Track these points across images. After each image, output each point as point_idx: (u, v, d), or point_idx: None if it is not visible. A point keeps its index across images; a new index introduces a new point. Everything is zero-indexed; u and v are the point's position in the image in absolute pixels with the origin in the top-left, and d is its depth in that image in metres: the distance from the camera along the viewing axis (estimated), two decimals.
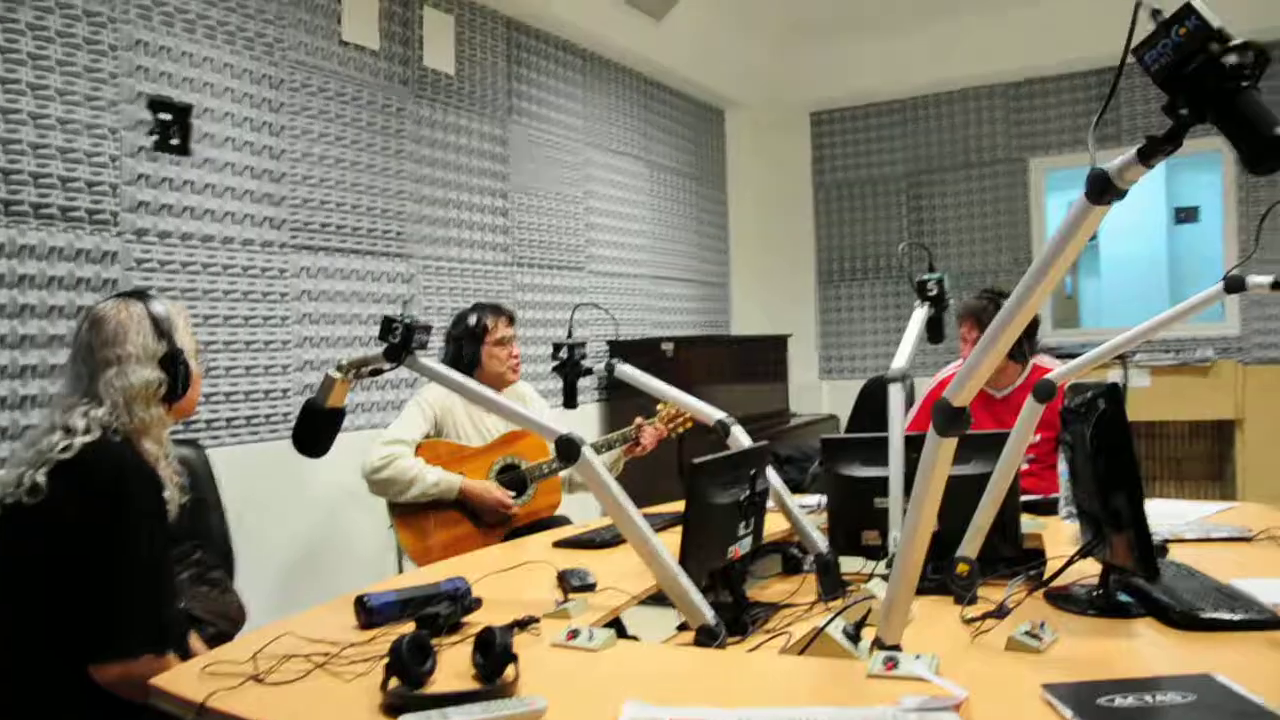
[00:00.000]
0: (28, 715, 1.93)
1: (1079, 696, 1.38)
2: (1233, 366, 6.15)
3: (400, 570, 3.44)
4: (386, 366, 2.15)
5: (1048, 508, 2.83)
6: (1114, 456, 1.86)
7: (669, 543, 1.91)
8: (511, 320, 3.65)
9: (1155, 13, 1.15)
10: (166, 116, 3.49)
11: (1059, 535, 2.55)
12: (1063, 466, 2.73)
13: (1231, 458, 6.17)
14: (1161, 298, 7.29)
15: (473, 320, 3.60)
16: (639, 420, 3.47)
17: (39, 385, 3.06)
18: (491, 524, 3.37)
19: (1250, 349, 6.32)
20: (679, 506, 2.97)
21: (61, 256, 3.15)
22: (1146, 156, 1.20)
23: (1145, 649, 1.74)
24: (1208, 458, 6.40)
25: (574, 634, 1.80)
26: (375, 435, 3.41)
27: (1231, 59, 1.10)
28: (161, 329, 2.06)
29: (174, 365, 2.05)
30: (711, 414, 2.60)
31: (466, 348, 3.57)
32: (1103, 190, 1.25)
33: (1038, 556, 2.25)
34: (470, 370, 3.49)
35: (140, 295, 2.12)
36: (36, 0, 3.10)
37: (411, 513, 3.30)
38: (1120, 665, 1.63)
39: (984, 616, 1.88)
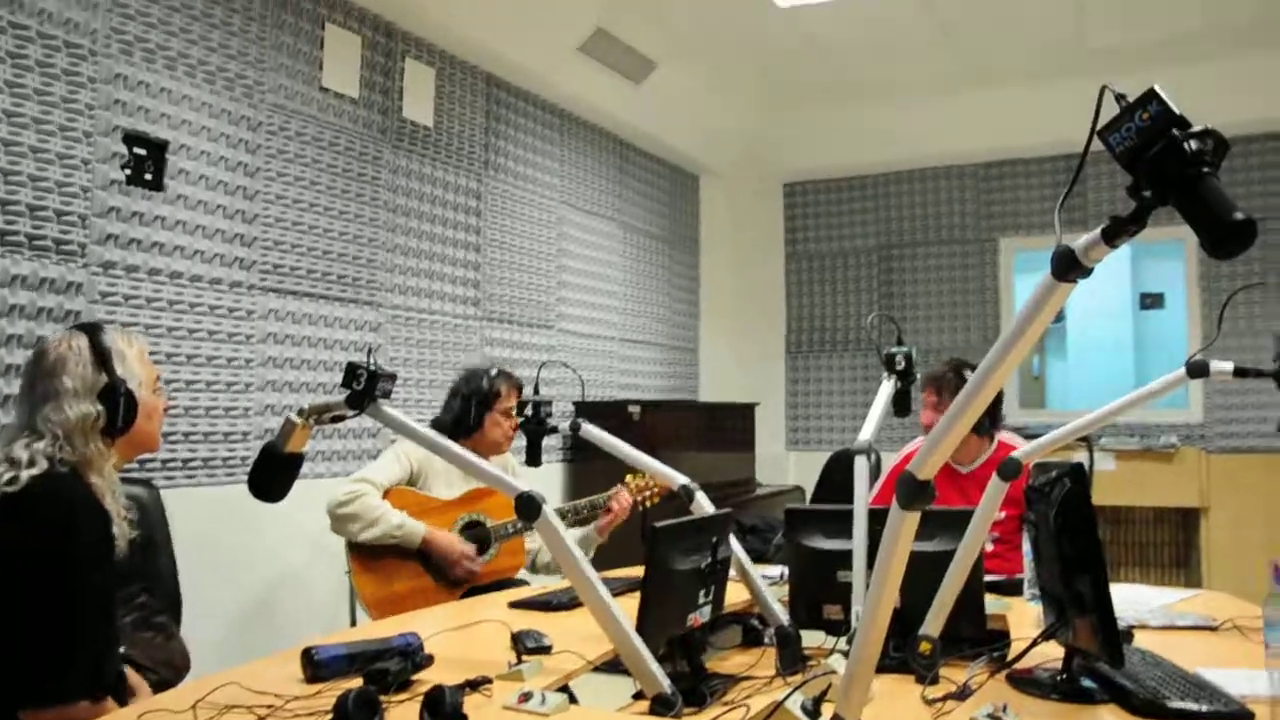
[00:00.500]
0: None
1: None
2: (1196, 454, 6.21)
3: (353, 623, 3.37)
4: (349, 413, 2.12)
5: (1012, 588, 2.81)
6: (1078, 538, 1.85)
7: (627, 608, 1.87)
8: (520, 391, 3.59)
9: (1119, 97, 1.19)
10: (141, 151, 3.47)
11: (1024, 616, 2.53)
12: (1027, 546, 2.73)
13: (1196, 545, 6.20)
14: (1127, 381, 7.37)
15: (486, 384, 3.55)
16: (619, 486, 3.45)
17: None
18: (451, 580, 3.30)
19: (1213, 437, 6.38)
20: (639, 572, 2.94)
21: (24, 285, 3.10)
22: (1111, 236, 1.22)
23: None
24: (1172, 544, 6.43)
25: (526, 697, 1.76)
26: (338, 482, 3.36)
27: (1193, 144, 1.13)
28: (104, 361, 2.03)
29: (113, 397, 2.01)
30: (675, 478, 2.57)
31: (475, 409, 3.52)
32: (1068, 268, 1.26)
33: (1002, 637, 2.23)
34: (470, 432, 3.46)
35: (89, 328, 2.09)
36: (18, 29, 3.08)
37: (371, 559, 3.23)
38: None
39: (945, 698, 1.86)
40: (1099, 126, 1.20)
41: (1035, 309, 1.31)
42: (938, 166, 7.24)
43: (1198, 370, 2.41)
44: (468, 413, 3.53)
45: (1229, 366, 2.44)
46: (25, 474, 1.88)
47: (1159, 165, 1.14)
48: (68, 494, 1.92)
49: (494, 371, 3.61)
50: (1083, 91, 1.50)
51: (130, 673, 2.13)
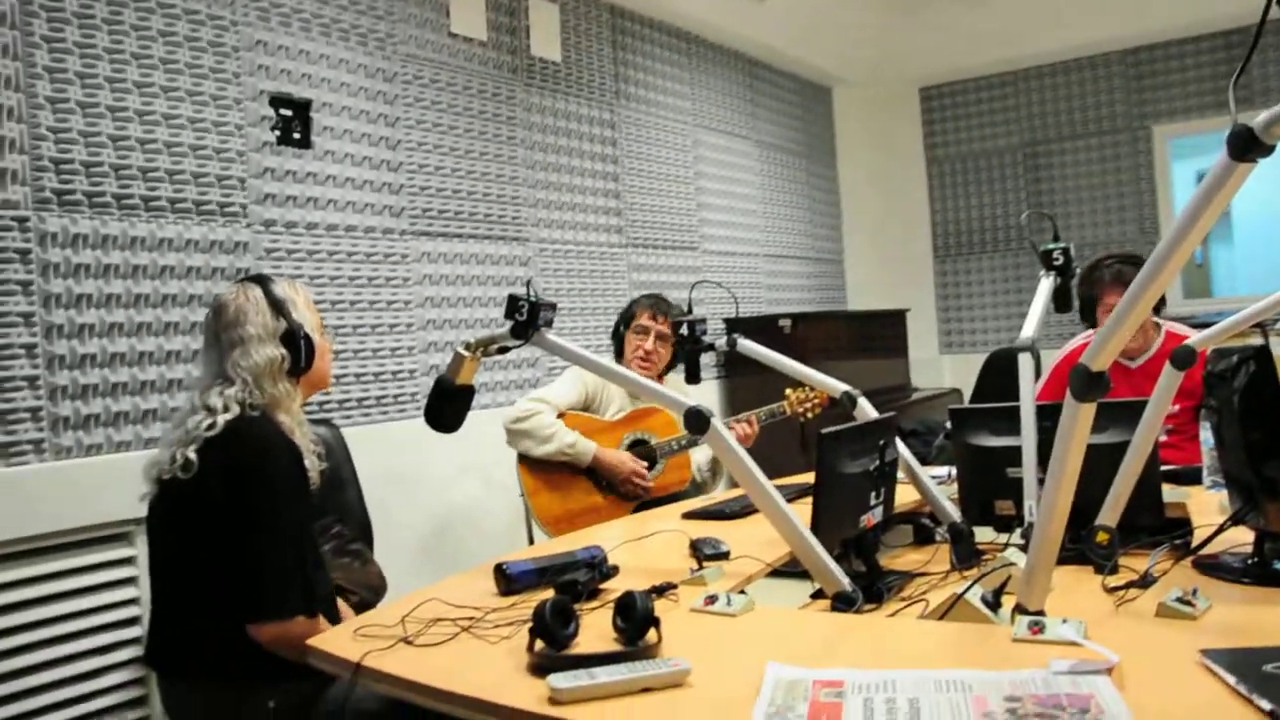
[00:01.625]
0: (196, 668, 2.05)
1: (1242, 662, 1.32)
2: None
3: (531, 543, 3.49)
4: (513, 344, 2.18)
5: (1190, 478, 2.73)
6: (1266, 420, 1.79)
7: (800, 513, 1.90)
8: (663, 315, 3.64)
9: None
10: (288, 112, 3.60)
11: (1204, 505, 2.46)
12: (1206, 434, 2.64)
13: None
14: None
15: (629, 306, 3.74)
16: (788, 392, 3.48)
17: (184, 369, 3.19)
18: (622, 496, 3.40)
19: None
20: (805, 479, 2.97)
21: (197, 248, 3.28)
22: None
23: None
24: None
25: (712, 599, 1.81)
26: (513, 403, 3.50)
27: None
28: (280, 308, 2.15)
29: (294, 340, 2.14)
30: (836, 386, 2.59)
31: (620, 329, 3.73)
32: (1247, 147, 1.20)
33: (1183, 525, 2.18)
34: (618, 355, 3.64)
35: (259, 279, 2.22)
36: (165, 8, 3.22)
37: (545, 477, 3.36)
38: None
39: (1128, 585, 1.83)
40: None
41: (1210, 192, 1.27)
42: (1081, 57, 6.90)
43: None
44: (616, 334, 3.73)
45: None
46: (221, 419, 2.03)
47: None
48: (261, 432, 2.06)
49: (642, 294, 3.72)
50: None
51: (340, 602, 2.28)
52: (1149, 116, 6.75)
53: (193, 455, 2.00)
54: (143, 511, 2.16)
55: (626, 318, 3.71)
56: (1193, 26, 6.43)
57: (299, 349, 2.14)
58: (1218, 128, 6.61)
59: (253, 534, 1.97)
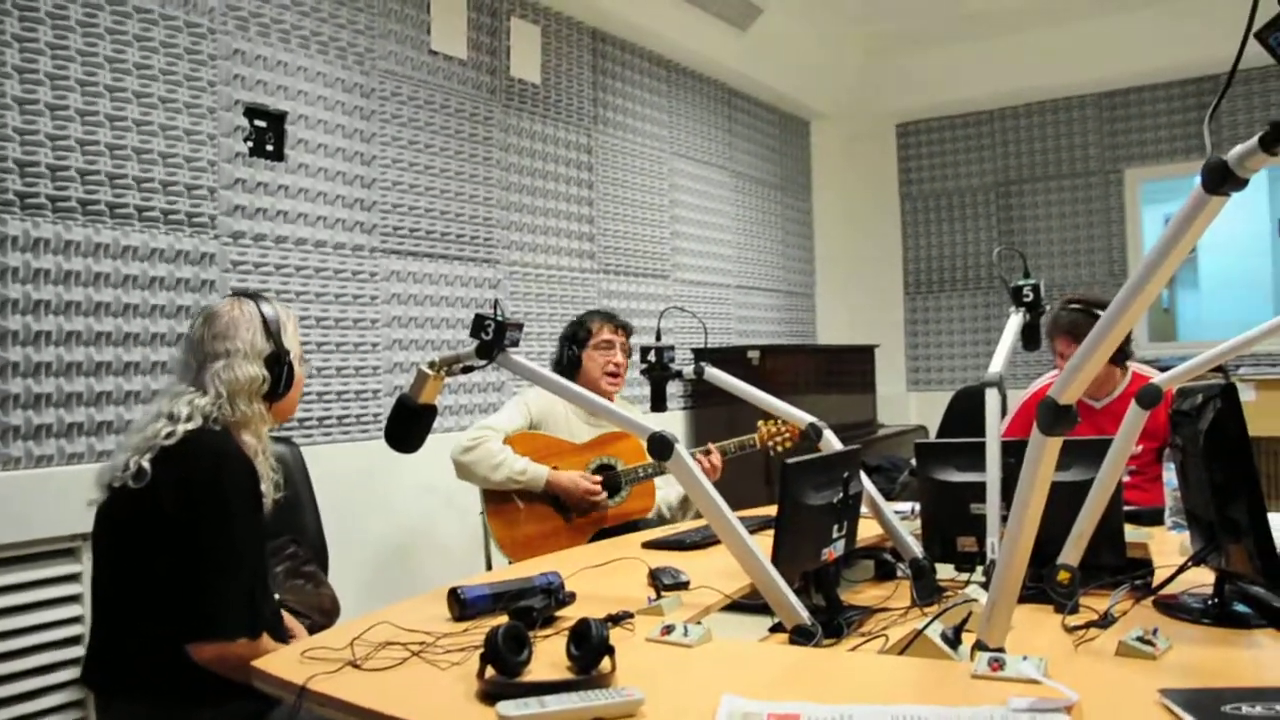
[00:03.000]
0: (134, 686, 1.99)
1: (1201, 703, 1.32)
2: None
3: (489, 568, 3.45)
4: (478, 363, 2.16)
5: (1152, 518, 2.74)
6: (1230, 459, 1.79)
7: (761, 545, 1.88)
8: (621, 329, 3.62)
9: None
10: (262, 123, 3.58)
11: (1165, 545, 2.46)
12: (1169, 475, 2.65)
13: None
14: (1264, 313, 7.03)
15: (579, 322, 3.65)
16: (760, 425, 3.45)
17: (142, 381, 3.14)
18: (581, 517, 3.36)
19: None
20: (768, 511, 2.95)
21: (163, 258, 3.23)
22: (1271, 143, 1.16)
23: (1269, 659, 1.66)
24: None
25: (669, 629, 1.78)
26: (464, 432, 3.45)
27: None
28: (270, 329, 2.12)
29: (278, 365, 2.10)
30: (802, 418, 2.58)
31: (568, 350, 3.61)
32: (1221, 180, 1.21)
33: (1144, 565, 2.18)
34: (572, 374, 3.51)
35: (254, 295, 2.19)
36: (142, 13, 3.19)
37: (504, 503, 3.31)
38: (1242, 674, 1.56)
39: (1088, 625, 1.82)
40: (1255, 28, 1.12)
41: (1185, 224, 1.27)
42: (1057, 99, 6.99)
43: None
44: (563, 354, 3.63)
45: None
46: (181, 428, 1.98)
47: None
48: (218, 446, 2.01)
49: (589, 312, 3.69)
50: (1209, 11, 1.43)
51: (287, 617, 2.24)
52: (1121, 160, 6.83)
53: (146, 464, 1.94)
54: (91, 526, 2.10)
55: (580, 337, 3.61)
56: (1165, 71, 6.52)
57: (280, 374, 2.11)
58: (1189, 172, 6.73)
59: (200, 550, 1.92)
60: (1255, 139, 1.17)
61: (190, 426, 1.98)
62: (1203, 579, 1.94)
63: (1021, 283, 2.58)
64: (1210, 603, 1.89)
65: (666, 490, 3.57)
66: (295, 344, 2.19)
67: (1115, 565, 2.16)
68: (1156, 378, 2.29)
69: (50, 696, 2.83)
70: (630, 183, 5.46)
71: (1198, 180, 1.24)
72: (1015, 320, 2.58)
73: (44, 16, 2.94)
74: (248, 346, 2.08)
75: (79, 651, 2.87)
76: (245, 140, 3.51)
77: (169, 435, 1.96)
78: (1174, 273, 1.33)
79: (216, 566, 1.93)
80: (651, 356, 2.76)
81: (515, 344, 2.15)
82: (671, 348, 2.78)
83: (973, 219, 7.35)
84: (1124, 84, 6.75)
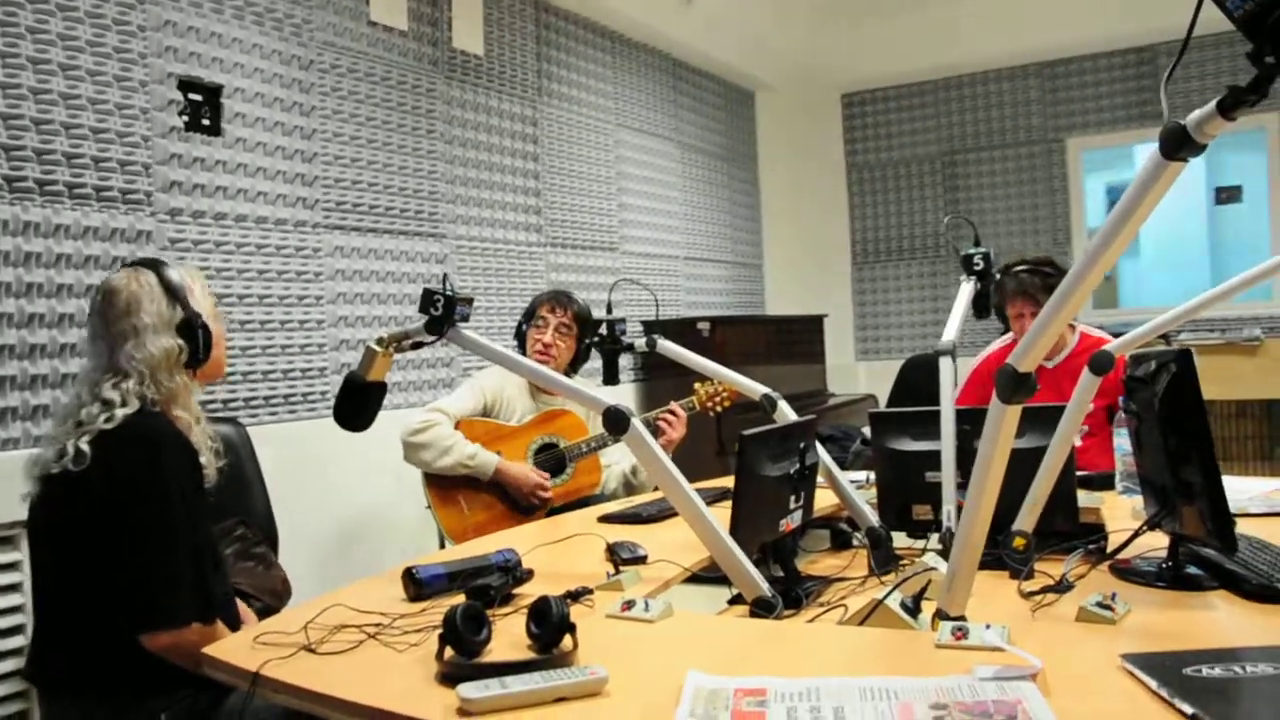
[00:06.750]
0: (81, 682, 1.93)
1: (1163, 666, 1.32)
2: None
3: (443, 546, 3.40)
4: (428, 339, 2.12)
5: (1102, 483, 2.76)
6: (1185, 424, 1.80)
7: (719, 517, 1.86)
8: (562, 309, 3.55)
9: None
10: (197, 97, 3.47)
11: (1117, 510, 2.49)
12: (1120, 440, 2.67)
13: None
14: (1202, 279, 7.17)
15: (531, 303, 3.64)
16: (672, 403, 3.42)
17: (78, 364, 3.02)
18: (525, 510, 3.32)
19: None
20: (723, 483, 2.93)
21: (97, 236, 3.13)
22: (1228, 108, 1.16)
23: (1225, 620, 1.67)
24: (1256, 437, 6.28)
25: (629, 604, 1.76)
26: (414, 411, 3.39)
27: None
28: (175, 295, 2.03)
29: (192, 330, 2.02)
30: (756, 389, 2.57)
31: (522, 328, 3.63)
32: (1179, 145, 1.21)
33: (1097, 530, 2.19)
34: (522, 352, 3.51)
35: (152, 264, 2.08)
36: None
37: (448, 490, 3.27)
38: (1200, 637, 1.57)
39: (1044, 590, 1.83)
40: None
41: (1141, 191, 1.28)
42: (1000, 68, 7.05)
43: None
44: (518, 332, 3.65)
45: None
46: (120, 413, 1.91)
47: None
48: (158, 430, 1.94)
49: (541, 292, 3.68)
50: None
51: (241, 606, 2.18)
52: (1063, 129, 6.90)
53: (85, 446, 1.87)
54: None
55: (528, 314, 3.62)
56: (1106, 41, 6.59)
57: (197, 339, 2.03)
58: (1128, 141, 6.81)
59: (144, 537, 1.86)
60: (1213, 104, 1.17)
61: (128, 411, 1.91)
62: (1155, 543, 1.95)
63: (972, 251, 2.59)
64: (1164, 566, 1.91)
65: (617, 461, 3.54)
66: (206, 303, 2.10)
67: (1069, 531, 2.18)
68: (1109, 343, 2.31)
69: None
70: (576, 155, 5.40)
71: (1155, 146, 1.24)
72: (967, 289, 2.59)
73: None
74: (155, 319, 1.99)
75: (20, 642, 2.79)
76: (180, 115, 3.41)
77: (108, 419, 1.89)
78: (1140, 226, 1.33)
79: (161, 553, 1.86)
80: (603, 329, 2.73)
81: (465, 319, 2.10)
82: (623, 320, 2.75)
83: (918, 189, 7.39)
84: (1065, 53, 6.81)
